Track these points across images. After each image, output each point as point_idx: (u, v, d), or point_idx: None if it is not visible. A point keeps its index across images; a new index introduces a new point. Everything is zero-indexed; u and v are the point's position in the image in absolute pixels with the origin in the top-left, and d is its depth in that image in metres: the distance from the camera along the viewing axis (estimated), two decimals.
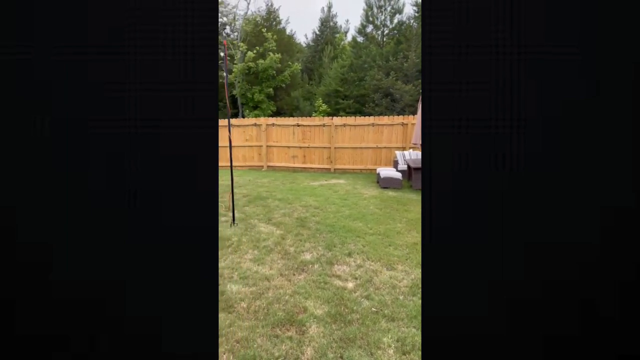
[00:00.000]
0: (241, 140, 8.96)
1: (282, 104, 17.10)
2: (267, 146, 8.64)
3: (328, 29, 21.80)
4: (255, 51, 13.90)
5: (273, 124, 8.60)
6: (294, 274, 2.27)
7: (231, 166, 3.63)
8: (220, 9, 16.54)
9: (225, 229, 3.20)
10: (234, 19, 17.24)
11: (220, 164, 8.96)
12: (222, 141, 9.00)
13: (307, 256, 2.60)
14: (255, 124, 8.67)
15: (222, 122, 8.98)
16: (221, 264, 2.35)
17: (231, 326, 1.63)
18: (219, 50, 14.24)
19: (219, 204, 4.30)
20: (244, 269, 2.30)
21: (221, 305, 1.79)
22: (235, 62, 14.98)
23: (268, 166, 8.65)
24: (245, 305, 1.84)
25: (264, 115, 14.19)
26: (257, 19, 16.85)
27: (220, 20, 17.30)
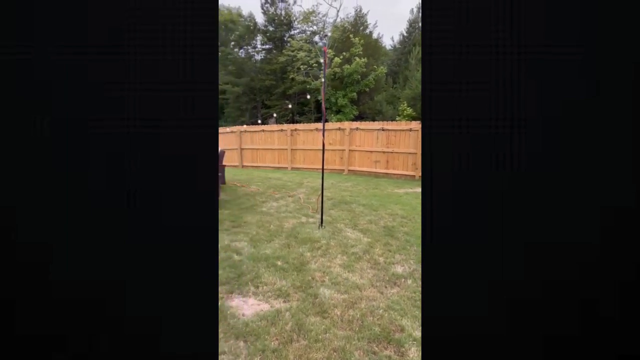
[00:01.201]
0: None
1: (364, 108, 17.03)
2: (350, 150, 8.67)
3: (417, 30, 20.92)
4: (342, 57, 14.18)
5: (357, 128, 8.60)
6: (385, 287, 2.16)
7: (322, 169, 3.72)
8: (311, 17, 17.39)
9: (313, 231, 3.27)
10: (323, 27, 17.92)
11: (307, 166, 9.37)
12: (305, 144, 9.40)
13: (399, 269, 2.46)
14: (339, 128, 8.80)
15: (312, 126, 9.38)
16: (312, 266, 2.39)
17: (327, 332, 1.62)
18: (319, 57, 14.99)
19: (307, 205, 4.46)
20: (334, 274, 2.29)
21: (315, 309, 1.80)
22: (321, 68, 15.53)
23: (349, 170, 8.68)
24: (339, 312, 1.81)
25: (347, 119, 14.34)
26: (345, 25, 17.18)
27: (310, 29, 18.20)
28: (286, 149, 9.49)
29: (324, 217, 3.55)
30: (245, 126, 10.58)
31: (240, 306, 1.79)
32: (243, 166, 10.34)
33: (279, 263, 2.38)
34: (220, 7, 22.32)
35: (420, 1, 0.78)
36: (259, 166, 10.02)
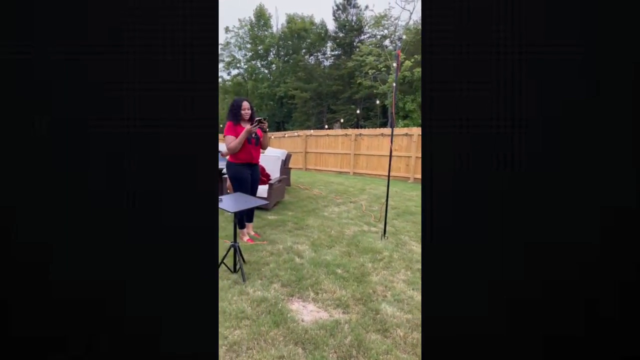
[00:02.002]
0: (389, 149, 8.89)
1: None
2: (417, 157, 8.25)
3: None
4: (412, 60, 13.66)
5: None
6: None
7: (389, 176, 3.58)
8: (382, 21, 17.14)
9: (375, 240, 3.16)
10: (395, 30, 17.52)
11: (370, 172, 9.22)
12: (369, 149, 9.22)
13: None
14: (406, 134, 8.45)
15: (377, 132, 9.20)
16: (373, 279, 2.29)
17: (388, 353, 1.52)
18: (389, 61, 14.80)
19: (369, 212, 4.34)
20: (397, 290, 2.16)
21: (376, 326, 1.71)
22: (390, 72, 15.18)
23: (415, 178, 8.26)
24: (402, 333, 1.69)
25: (414, 125, 13.73)
26: (417, 28, 16.51)
27: (380, 33, 17.96)
28: (349, 154, 9.46)
29: (387, 227, 3.40)
30: (312, 130, 10.88)
31: (300, 311, 1.79)
32: (306, 169, 10.63)
33: (339, 271, 2.34)
34: (294, 16, 23.51)
35: (421, 1, 0.77)
36: (322, 170, 10.17)
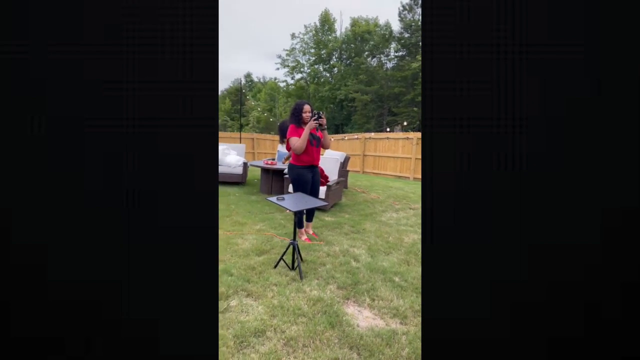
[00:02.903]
0: None
1: None
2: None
3: None
4: None
5: None
6: None
7: None
8: None
9: None
10: None
11: None
12: None
13: None
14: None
15: None
16: None
17: None
18: None
19: None
20: None
21: None
22: None
23: None
24: None
25: None
26: None
27: None
28: (410, 158, 9.11)
29: None
30: (372, 133, 10.74)
31: (355, 315, 1.78)
32: (364, 172, 10.52)
33: (397, 279, 2.26)
34: (358, 19, 23.50)
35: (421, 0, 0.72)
36: (380, 173, 9.97)
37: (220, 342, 1.47)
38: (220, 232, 3.09)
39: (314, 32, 24.55)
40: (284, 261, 2.33)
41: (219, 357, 1.38)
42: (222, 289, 1.97)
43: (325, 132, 2.78)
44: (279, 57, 28.81)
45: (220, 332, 1.55)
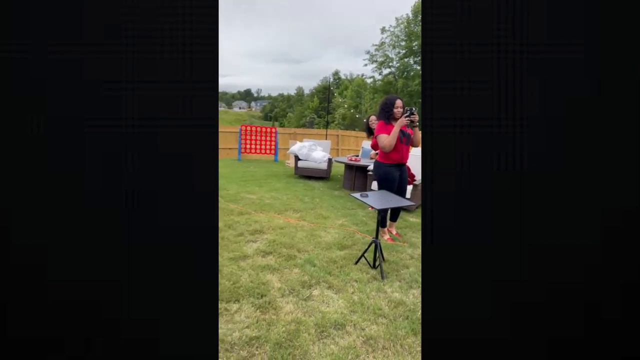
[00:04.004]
0: None
1: None
2: None
3: None
4: None
5: None
6: None
7: None
8: None
9: None
10: None
11: None
12: None
13: None
14: None
15: None
16: None
17: None
18: None
19: None
20: None
21: None
22: None
23: None
24: None
25: None
26: None
27: None
28: None
29: None
30: None
31: None
32: None
33: None
34: None
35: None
36: None
37: (302, 328, 1.54)
38: (304, 223, 3.24)
39: (405, 23, 23.52)
40: (365, 258, 2.31)
41: (304, 342, 1.45)
42: (305, 277, 2.06)
43: (417, 129, 2.62)
44: (367, 52, 28.56)
45: (303, 318, 1.62)
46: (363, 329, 1.56)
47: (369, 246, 2.32)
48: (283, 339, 1.46)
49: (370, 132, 4.29)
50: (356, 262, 2.31)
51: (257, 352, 1.39)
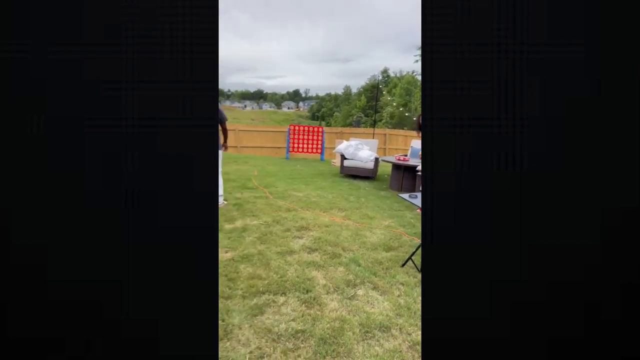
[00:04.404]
0: None
1: None
2: None
3: None
4: None
5: None
6: None
7: None
8: None
9: None
10: None
11: None
12: None
13: None
14: None
15: None
16: None
17: None
18: None
19: None
20: None
21: None
22: None
23: None
24: None
25: None
26: None
27: None
28: None
29: None
30: None
31: None
32: None
33: None
34: None
35: None
36: None
37: (346, 327, 1.55)
38: (349, 222, 3.24)
39: None
40: (413, 262, 2.23)
41: (348, 340, 1.45)
42: (349, 276, 2.06)
43: None
44: (418, 48, 27.45)
45: (347, 317, 1.63)
46: (409, 334, 1.52)
47: (416, 249, 2.25)
48: (327, 335, 1.48)
49: (421, 129, 4.12)
50: (403, 265, 2.25)
51: (302, 345, 1.42)
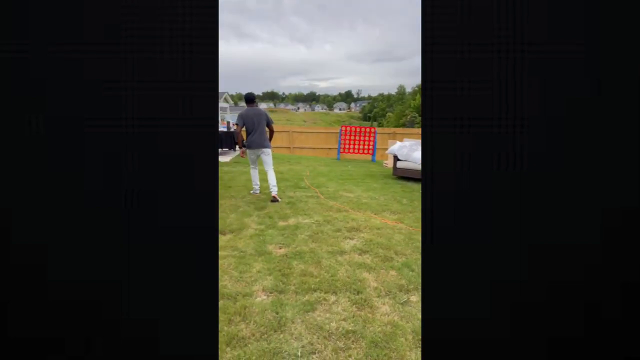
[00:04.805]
0: None
1: None
2: None
3: None
4: None
5: None
6: None
7: None
8: None
9: None
10: None
11: None
12: None
13: None
14: None
15: None
16: None
17: None
18: None
19: None
20: None
21: None
22: None
23: None
24: None
25: None
26: None
27: None
28: None
29: None
30: None
31: None
32: None
33: None
34: None
35: None
36: None
37: (398, 332, 1.51)
38: (402, 225, 3.14)
39: None
40: None
41: (401, 346, 1.41)
42: (402, 281, 2.00)
43: None
44: None
45: (399, 322, 1.59)
46: None
47: None
48: (379, 339, 1.46)
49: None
50: None
51: (353, 346, 1.42)
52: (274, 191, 3.89)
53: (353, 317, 1.62)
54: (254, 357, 1.35)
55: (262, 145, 3.88)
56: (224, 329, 1.52)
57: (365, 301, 1.77)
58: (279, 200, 3.87)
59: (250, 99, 3.97)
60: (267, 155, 3.94)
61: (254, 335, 1.48)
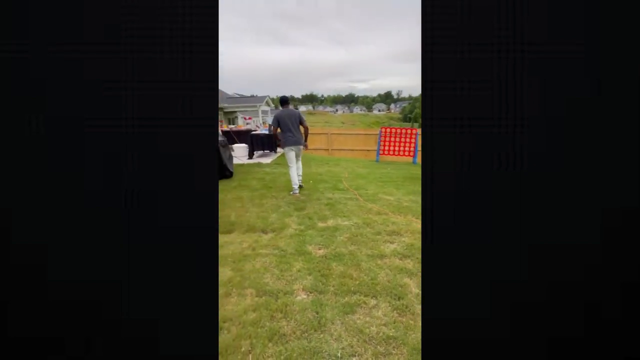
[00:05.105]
0: None
1: None
2: None
3: None
4: None
5: None
6: None
7: None
8: None
9: None
10: None
11: None
12: None
13: None
14: None
15: None
16: None
17: None
18: None
19: None
20: None
21: None
22: None
23: None
24: None
25: None
26: None
27: None
28: None
29: None
30: None
31: None
32: None
33: None
34: None
35: None
36: None
37: None
38: None
39: None
40: None
41: None
42: None
43: None
44: None
45: None
46: None
47: None
48: None
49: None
50: None
51: (394, 352, 1.39)
52: (300, 181, 4.60)
53: (394, 323, 1.58)
54: (295, 354, 1.37)
55: (300, 142, 4.26)
56: (267, 325, 1.56)
57: (407, 307, 1.72)
58: (303, 186, 4.56)
59: (284, 100, 4.31)
60: (301, 151, 4.44)
61: (294, 332, 1.51)
